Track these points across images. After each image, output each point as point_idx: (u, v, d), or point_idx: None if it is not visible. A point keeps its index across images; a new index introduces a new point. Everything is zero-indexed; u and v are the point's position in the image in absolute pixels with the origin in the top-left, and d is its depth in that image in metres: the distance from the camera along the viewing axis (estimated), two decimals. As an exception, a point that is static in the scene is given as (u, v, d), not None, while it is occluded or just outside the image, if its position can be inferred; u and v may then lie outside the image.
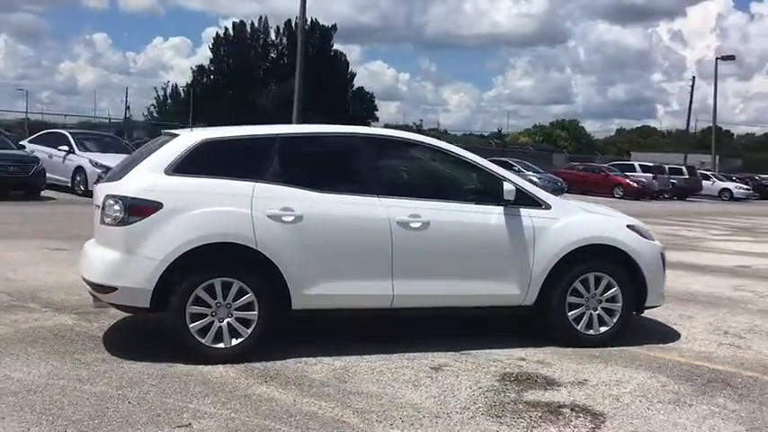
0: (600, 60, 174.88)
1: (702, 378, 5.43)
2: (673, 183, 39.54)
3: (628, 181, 36.55)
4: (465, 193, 6.11)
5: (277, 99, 62.19)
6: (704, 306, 8.11)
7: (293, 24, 69.17)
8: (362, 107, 76.67)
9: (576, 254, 6.05)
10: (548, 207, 6.10)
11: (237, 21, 67.81)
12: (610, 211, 6.89)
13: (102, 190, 5.62)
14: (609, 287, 6.16)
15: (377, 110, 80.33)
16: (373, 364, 5.48)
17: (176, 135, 5.72)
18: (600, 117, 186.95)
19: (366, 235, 5.65)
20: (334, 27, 68.28)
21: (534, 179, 32.13)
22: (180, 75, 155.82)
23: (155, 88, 73.63)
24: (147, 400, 4.57)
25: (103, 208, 5.41)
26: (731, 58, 57.56)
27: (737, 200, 42.70)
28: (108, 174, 6.25)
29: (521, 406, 4.70)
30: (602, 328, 6.19)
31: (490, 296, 5.97)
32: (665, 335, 6.71)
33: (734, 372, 5.64)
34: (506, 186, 5.89)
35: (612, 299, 6.18)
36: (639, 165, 40.01)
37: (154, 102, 66.96)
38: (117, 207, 5.32)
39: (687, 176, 40.99)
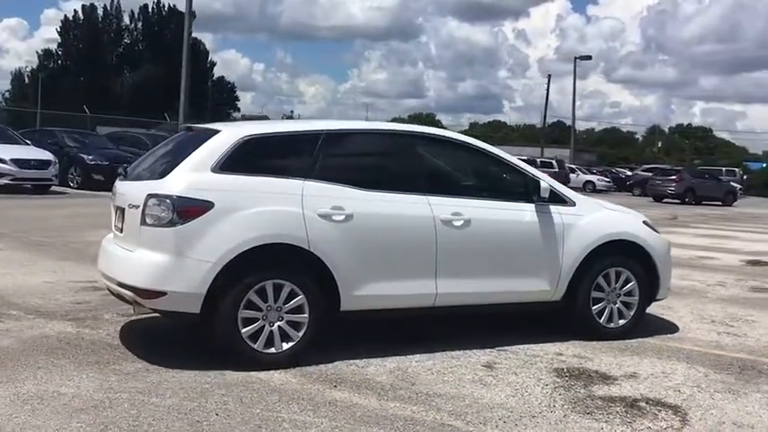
0: (450, 56, 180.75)
1: (734, 367, 5.71)
2: (546, 176, 41.19)
3: (505, 174, 37.80)
4: (499, 190, 6.14)
5: (133, 87, 60.01)
6: (672, 297, 8.50)
7: (150, 10, 67.03)
8: (224, 96, 75.47)
9: (600, 249, 6.21)
10: (573, 204, 6.24)
11: (87, 4, 64.66)
12: (621, 207, 7.10)
13: (138, 189, 5.24)
14: (627, 281, 6.38)
15: (238, 100, 79.40)
16: (424, 365, 5.42)
17: (216, 131, 5.41)
18: (451, 111, 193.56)
19: (413, 234, 5.58)
20: (192, 14, 65.98)
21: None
22: (16, 58, 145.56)
23: (11, 72, 69.00)
24: (231, 411, 4.32)
25: (145, 208, 5.04)
26: (588, 58, 60.51)
27: (599, 191, 45.08)
28: (131, 171, 5.81)
29: (599, 402, 4.78)
30: (621, 321, 6.40)
31: (523, 293, 6.04)
32: (665, 326, 6.99)
33: (754, 359, 5.98)
34: (543, 185, 5.99)
35: (630, 293, 6.40)
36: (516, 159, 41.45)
37: (9, 87, 63.07)
38: (164, 207, 4.98)
39: (557, 169, 42.87)
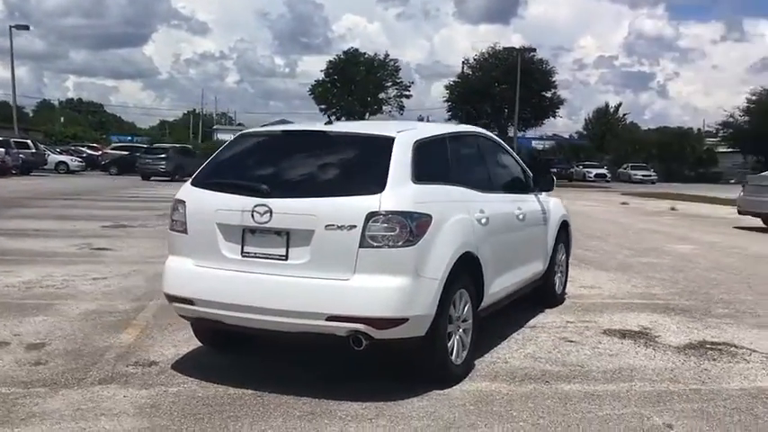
0: None
1: (669, 311, 7.39)
2: (21, 158, 38.08)
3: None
4: (520, 184, 6.65)
5: None
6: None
7: None
8: None
9: (558, 229, 7.26)
10: (540, 191, 7.10)
11: None
12: None
13: (340, 207, 4.44)
14: (563, 253, 7.54)
15: None
16: (533, 348, 5.84)
17: (385, 137, 4.82)
18: None
19: (510, 230, 5.91)
20: None
21: None
22: None
23: None
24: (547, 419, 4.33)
25: (365, 228, 4.38)
26: (26, 27, 56.46)
27: (74, 172, 43.31)
28: (270, 185, 4.70)
29: (693, 351, 5.90)
30: (561, 288, 7.56)
31: (536, 273, 6.75)
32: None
33: (659, 302, 7.75)
34: (551, 177, 6.76)
35: (562, 262, 7.58)
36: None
37: None
38: (396, 225, 4.41)
39: (34, 150, 40.03)
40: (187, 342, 5.78)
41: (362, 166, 4.76)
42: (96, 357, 5.39)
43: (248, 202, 4.61)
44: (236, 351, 5.57)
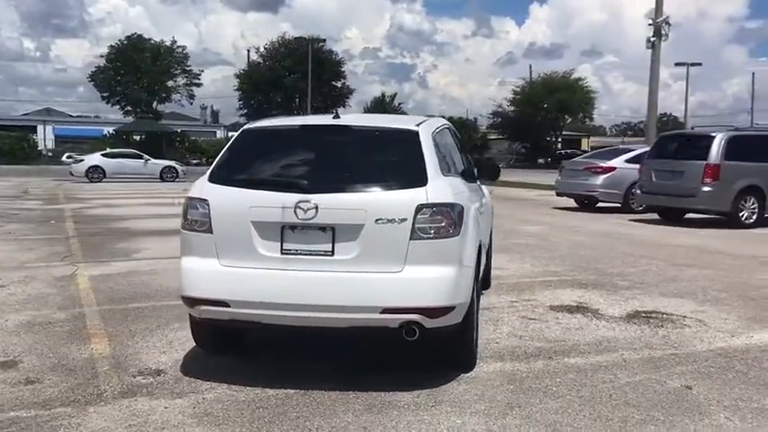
0: None
1: (588, 287, 8.04)
2: None
3: None
4: (473, 172, 6.87)
5: None
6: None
7: None
8: None
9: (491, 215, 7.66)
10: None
11: None
12: None
13: (389, 200, 4.51)
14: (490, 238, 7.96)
15: None
16: (503, 325, 6.18)
17: (409, 130, 4.92)
18: None
19: (482, 217, 6.15)
20: None
21: None
22: None
23: None
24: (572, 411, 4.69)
25: (415, 220, 4.47)
26: None
27: None
28: (313, 181, 4.55)
29: (636, 319, 6.55)
30: (490, 270, 7.98)
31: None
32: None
33: (566, 279, 8.41)
34: (497, 167, 7.09)
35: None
36: None
37: None
38: (443, 216, 4.54)
39: None
40: (171, 346, 5.57)
41: (397, 160, 4.81)
42: (90, 371, 5.02)
43: (289, 198, 4.51)
44: (231, 352, 5.39)
